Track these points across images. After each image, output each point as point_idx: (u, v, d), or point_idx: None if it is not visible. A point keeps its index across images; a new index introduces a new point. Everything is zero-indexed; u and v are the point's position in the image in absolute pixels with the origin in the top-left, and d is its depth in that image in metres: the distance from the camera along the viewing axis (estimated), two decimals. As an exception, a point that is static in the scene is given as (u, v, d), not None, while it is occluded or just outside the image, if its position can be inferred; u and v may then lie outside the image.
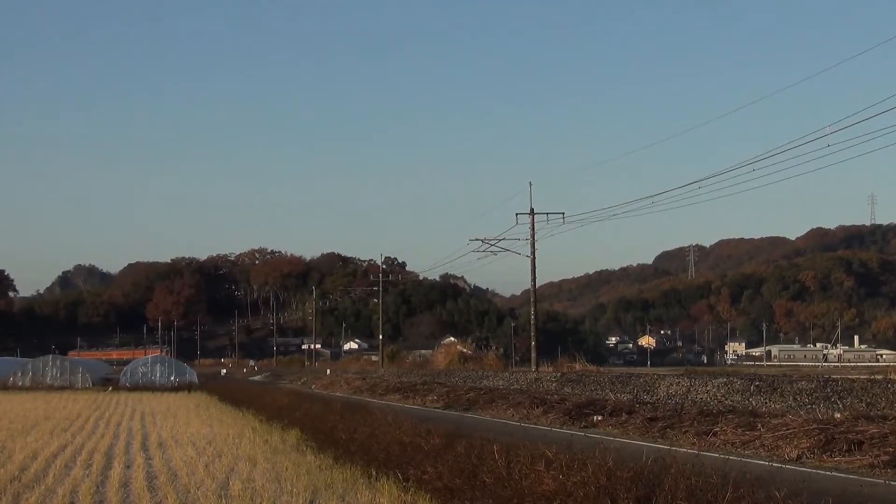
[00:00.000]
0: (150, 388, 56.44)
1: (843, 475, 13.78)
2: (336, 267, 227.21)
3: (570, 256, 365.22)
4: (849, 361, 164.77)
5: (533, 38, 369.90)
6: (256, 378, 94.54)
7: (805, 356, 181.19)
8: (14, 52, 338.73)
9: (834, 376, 27.24)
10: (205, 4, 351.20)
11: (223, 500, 11.71)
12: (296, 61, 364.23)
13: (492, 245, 54.38)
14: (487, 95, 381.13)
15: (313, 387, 61.02)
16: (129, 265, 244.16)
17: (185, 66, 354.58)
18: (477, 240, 55.27)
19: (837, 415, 18.61)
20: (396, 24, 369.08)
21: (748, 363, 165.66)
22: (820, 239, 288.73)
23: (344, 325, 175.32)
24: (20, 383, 59.26)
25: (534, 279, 50.74)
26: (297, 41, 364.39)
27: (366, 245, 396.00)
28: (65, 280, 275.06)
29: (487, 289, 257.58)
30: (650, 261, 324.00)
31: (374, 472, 12.63)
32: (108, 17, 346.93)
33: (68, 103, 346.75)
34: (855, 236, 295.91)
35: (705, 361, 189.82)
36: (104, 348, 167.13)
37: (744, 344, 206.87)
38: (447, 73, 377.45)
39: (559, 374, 37.70)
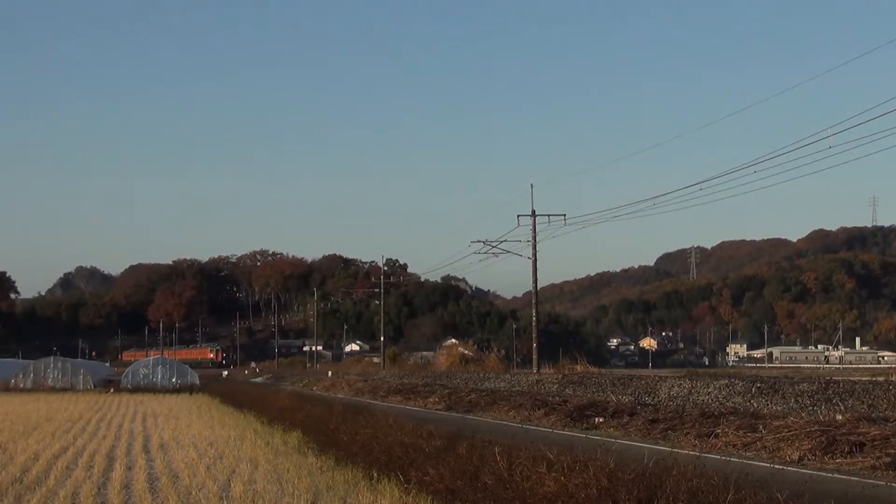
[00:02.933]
0: (152, 389, 56.47)
1: (844, 477, 13.77)
2: (337, 268, 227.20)
3: (571, 258, 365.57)
4: (850, 363, 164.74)
5: (535, 39, 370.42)
6: (258, 380, 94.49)
7: (806, 358, 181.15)
8: (15, 53, 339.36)
9: (835, 378, 27.23)
10: (205, 4, 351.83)
11: (224, 502, 11.72)
12: (297, 62, 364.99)
13: (493, 247, 54.42)
14: (489, 97, 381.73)
15: (315, 388, 61.01)
16: (131, 267, 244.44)
17: (186, 67, 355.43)
18: (478, 241, 55.35)
19: (839, 417, 18.60)
20: (398, 25, 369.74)
21: (750, 365, 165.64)
22: (821, 240, 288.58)
23: (345, 326, 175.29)
24: (22, 385, 59.30)
25: (535, 281, 50.74)
26: (298, 42, 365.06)
27: (367, 247, 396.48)
28: (66, 282, 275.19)
29: (489, 290, 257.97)
30: (652, 262, 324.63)
31: (375, 474, 12.63)
32: (110, 18, 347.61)
33: (69, 104, 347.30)
34: (856, 238, 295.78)
35: (707, 363, 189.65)
36: (160, 348, 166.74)
37: (745, 345, 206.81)
38: (449, 75, 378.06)
39: (560, 376, 37.70)
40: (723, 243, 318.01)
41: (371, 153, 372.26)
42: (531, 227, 49.11)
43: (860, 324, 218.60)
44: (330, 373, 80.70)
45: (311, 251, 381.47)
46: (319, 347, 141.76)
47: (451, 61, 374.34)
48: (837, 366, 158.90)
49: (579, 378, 35.10)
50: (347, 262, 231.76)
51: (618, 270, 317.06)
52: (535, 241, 49.26)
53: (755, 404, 22.53)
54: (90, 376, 62.79)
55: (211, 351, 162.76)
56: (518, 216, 49.39)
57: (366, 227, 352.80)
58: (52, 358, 67.04)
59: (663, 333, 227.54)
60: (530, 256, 49.57)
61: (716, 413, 21.44)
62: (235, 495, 12.09)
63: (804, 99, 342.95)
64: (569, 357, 57.15)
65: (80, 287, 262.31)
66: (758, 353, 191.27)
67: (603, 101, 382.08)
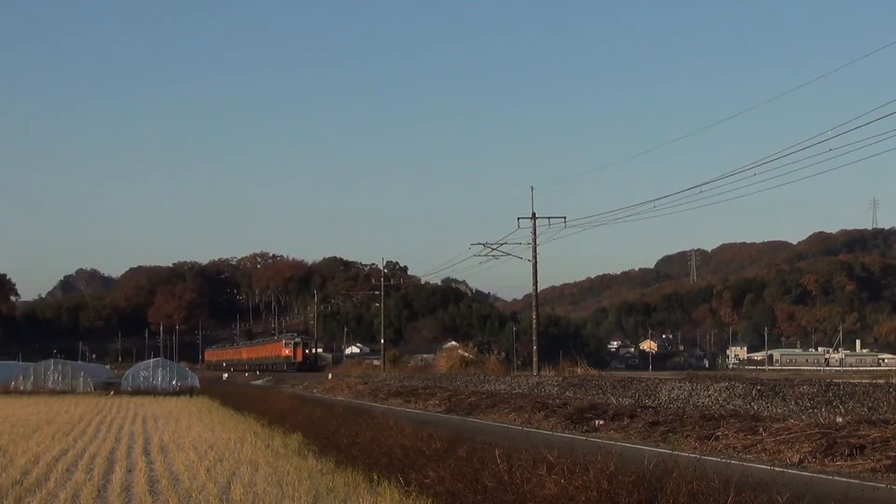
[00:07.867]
0: (152, 392, 56.40)
1: (844, 479, 13.77)
2: (338, 271, 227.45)
3: (571, 260, 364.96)
4: (850, 366, 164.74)
5: (535, 40, 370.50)
6: (258, 382, 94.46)
7: (807, 360, 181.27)
8: (15, 55, 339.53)
9: (836, 380, 27.23)
10: (204, 5, 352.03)
11: (225, 505, 11.73)
12: (297, 63, 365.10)
13: (494, 249, 54.42)
14: (489, 99, 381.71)
15: (315, 391, 60.97)
16: (131, 269, 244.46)
17: (185, 68, 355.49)
18: (479, 244, 55.35)
19: (839, 419, 18.60)
20: (397, 26, 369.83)
21: (750, 367, 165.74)
22: (822, 243, 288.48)
23: (346, 329, 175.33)
24: (22, 387, 59.21)
25: (535, 283, 50.74)
26: (298, 43, 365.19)
27: (367, 249, 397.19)
28: (67, 284, 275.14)
29: (489, 293, 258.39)
30: (652, 265, 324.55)
31: (375, 477, 12.64)
32: (110, 19, 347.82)
33: (70, 106, 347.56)
34: (857, 240, 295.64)
35: (707, 365, 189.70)
36: (221, 346, 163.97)
37: (745, 348, 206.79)
38: (449, 76, 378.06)
39: (561, 379, 37.66)
40: (723, 245, 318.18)
41: (371, 155, 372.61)
42: (531, 230, 49.11)
43: (860, 326, 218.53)
44: (330, 375, 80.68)
45: (311, 254, 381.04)
46: (320, 350, 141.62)
47: (451, 62, 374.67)
48: (837, 368, 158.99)
49: (579, 380, 35.07)
50: (347, 265, 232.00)
51: (618, 273, 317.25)
52: (535, 243, 49.27)
53: (755, 407, 22.53)
54: (90, 379, 62.75)
55: (286, 346, 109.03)
56: (518, 218, 49.43)
57: (366, 229, 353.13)
58: (52, 360, 66.94)
59: (663, 336, 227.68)
60: (531, 259, 49.58)
61: (716, 415, 21.44)
62: (236, 498, 12.10)
63: (804, 101, 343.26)
64: (569, 359, 57.05)
65: (81, 289, 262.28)
66: (758, 356, 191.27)
67: (603, 103, 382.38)
